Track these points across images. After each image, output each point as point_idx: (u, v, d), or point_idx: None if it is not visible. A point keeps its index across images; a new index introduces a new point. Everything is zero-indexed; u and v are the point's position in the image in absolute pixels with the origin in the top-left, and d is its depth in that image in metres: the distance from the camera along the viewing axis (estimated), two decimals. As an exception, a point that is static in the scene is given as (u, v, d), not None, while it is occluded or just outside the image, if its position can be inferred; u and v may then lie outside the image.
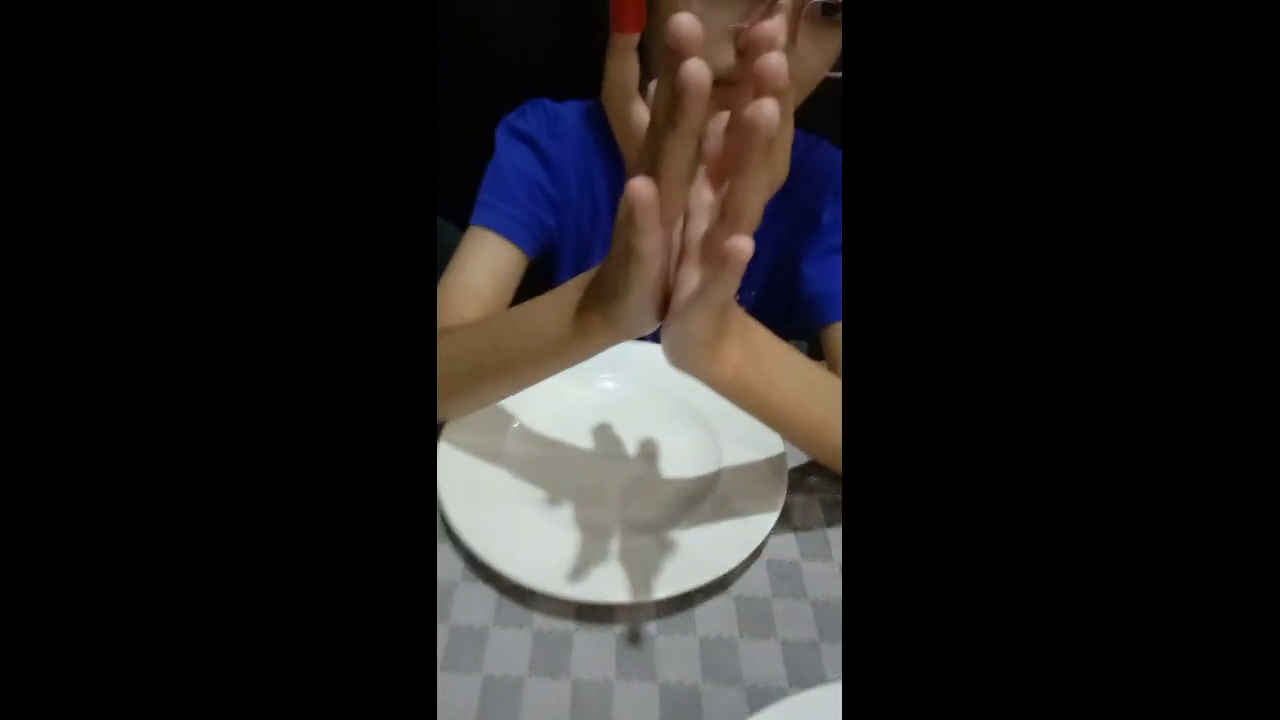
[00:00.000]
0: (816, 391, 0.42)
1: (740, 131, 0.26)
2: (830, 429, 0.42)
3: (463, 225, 0.59)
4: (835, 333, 0.55)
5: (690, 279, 0.30)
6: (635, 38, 0.31)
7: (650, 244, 0.29)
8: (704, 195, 0.30)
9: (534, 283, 0.59)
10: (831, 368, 0.54)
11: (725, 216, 0.28)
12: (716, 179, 0.30)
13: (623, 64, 0.31)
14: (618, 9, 0.29)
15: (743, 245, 0.26)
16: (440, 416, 0.47)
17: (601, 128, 0.61)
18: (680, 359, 0.36)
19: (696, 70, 0.24)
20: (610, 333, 0.36)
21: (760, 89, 0.25)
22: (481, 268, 0.55)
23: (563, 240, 0.63)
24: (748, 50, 0.26)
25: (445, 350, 0.43)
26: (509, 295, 0.57)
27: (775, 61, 0.25)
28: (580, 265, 0.64)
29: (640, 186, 0.27)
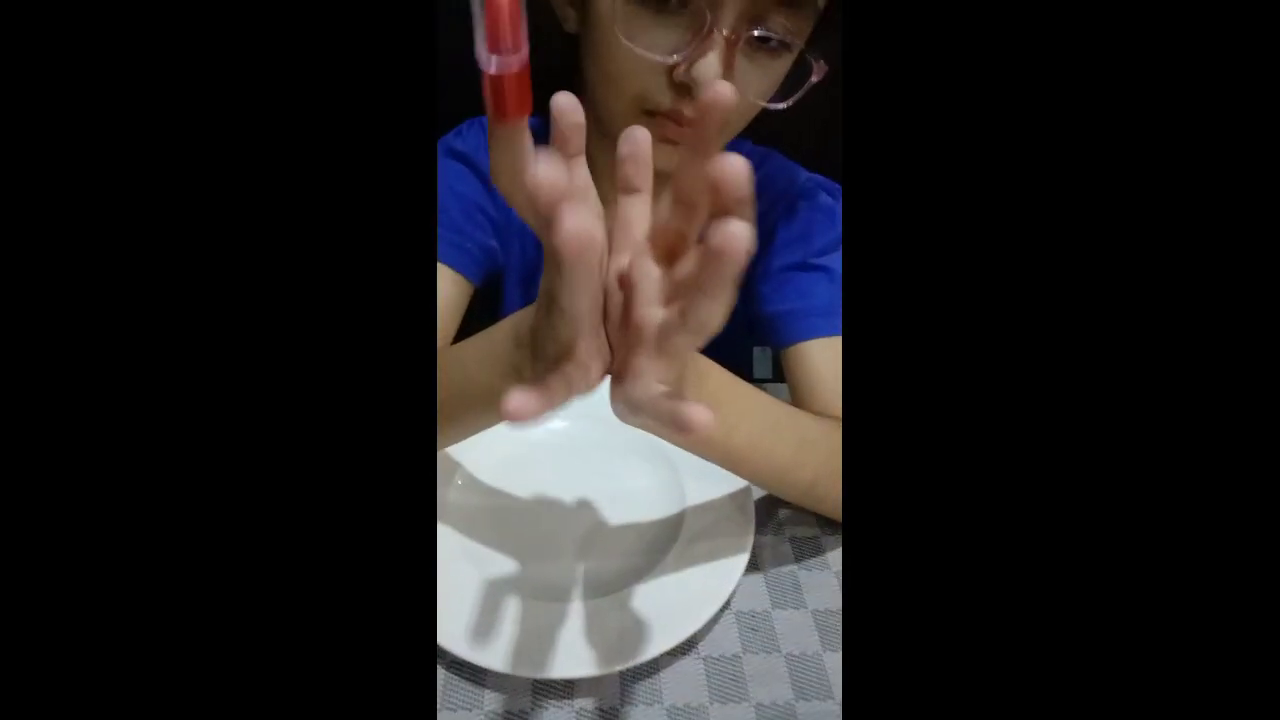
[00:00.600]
0: (780, 431, 0.39)
1: (705, 254, 0.22)
2: (796, 468, 0.40)
3: None
4: (795, 355, 0.51)
5: (645, 374, 0.26)
6: (523, 122, 0.26)
7: (582, 303, 0.25)
8: (650, 271, 0.26)
9: (480, 309, 0.55)
10: (793, 390, 0.52)
11: (686, 325, 0.24)
12: (665, 255, 0.26)
13: (509, 155, 0.26)
14: (495, 95, 0.23)
15: (705, 419, 0.23)
16: None
17: (547, 143, 0.57)
18: (633, 422, 0.32)
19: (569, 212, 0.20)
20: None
21: (723, 206, 0.22)
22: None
23: (508, 264, 0.59)
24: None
25: None
26: (453, 327, 0.53)
27: (737, 170, 0.21)
28: (527, 291, 0.60)
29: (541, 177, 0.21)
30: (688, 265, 0.25)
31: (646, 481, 0.47)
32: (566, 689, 0.36)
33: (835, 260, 0.53)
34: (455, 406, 0.36)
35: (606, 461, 0.48)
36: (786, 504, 0.47)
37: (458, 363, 0.37)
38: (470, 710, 0.35)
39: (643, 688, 0.36)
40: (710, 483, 0.46)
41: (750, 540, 0.42)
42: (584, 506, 0.45)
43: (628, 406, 0.27)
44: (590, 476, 0.47)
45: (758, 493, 0.46)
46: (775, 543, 0.44)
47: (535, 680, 0.36)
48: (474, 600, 0.38)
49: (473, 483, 0.46)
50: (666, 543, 0.42)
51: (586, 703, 0.35)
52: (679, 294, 0.25)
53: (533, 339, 0.30)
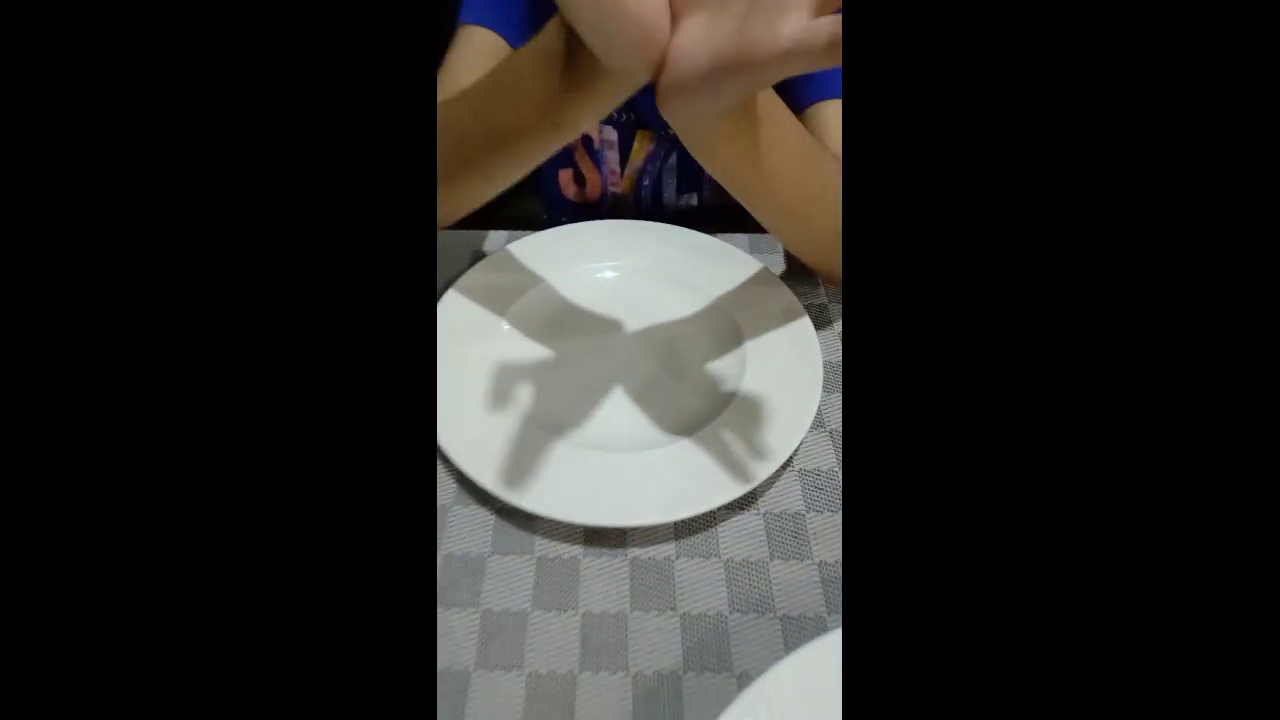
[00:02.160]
0: (809, 165, 0.38)
1: None
2: (820, 212, 0.39)
3: None
4: (809, 117, 0.50)
5: (789, 18, 0.25)
6: None
7: None
8: None
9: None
10: None
11: None
12: None
13: None
14: None
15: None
16: None
17: None
18: (683, 120, 0.31)
19: None
20: (609, 87, 0.30)
21: None
22: (476, 64, 0.49)
23: None
24: None
25: None
26: None
27: None
28: None
29: None
30: None
31: (704, 339, 0.43)
32: (619, 537, 0.34)
33: None
34: (513, 128, 0.34)
35: (661, 317, 0.45)
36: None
37: (511, 76, 0.34)
38: (521, 555, 0.34)
39: (700, 540, 0.35)
40: (774, 339, 0.42)
41: (816, 399, 0.38)
42: (639, 358, 0.42)
43: (757, 66, 0.26)
44: (644, 332, 0.44)
45: (828, 353, 0.43)
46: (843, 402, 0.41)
47: (587, 527, 0.34)
48: (522, 449, 0.36)
49: (519, 335, 0.43)
50: (725, 399, 0.39)
51: (640, 552, 0.34)
52: None
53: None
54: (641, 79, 0.29)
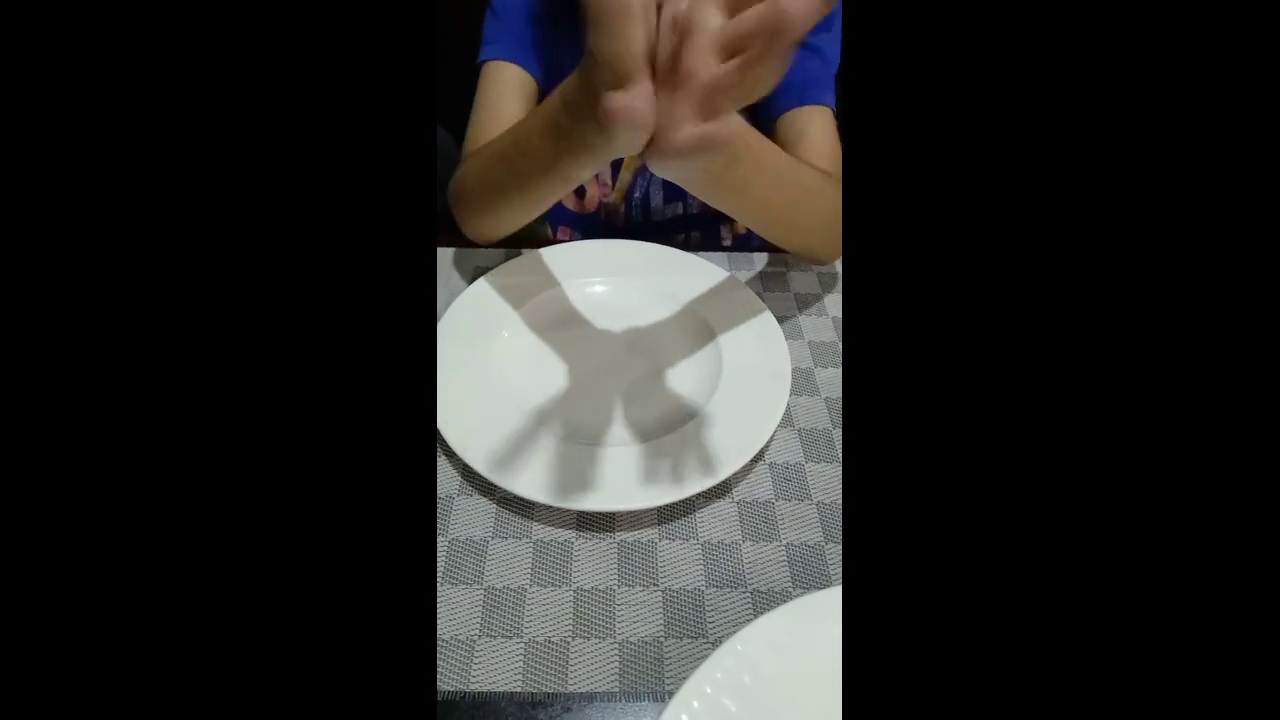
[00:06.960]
0: (784, 183, 0.43)
1: (767, 12, 0.24)
2: (799, 215, 0.45)
3: (459, 137, 0.57)
4: (785, 122, 0.56)
5: (684, 126, 0.27)
6: None
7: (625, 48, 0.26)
8: (710, 17, 0.26)
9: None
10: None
11: (740, 84, 0.25)
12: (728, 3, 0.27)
13: None
14: None
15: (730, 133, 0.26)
16: (481, 234, 0.53)
17: None
18: (668, 171, 0.35)
19: None
20: (594, 158, 0.35)
21: None
22: (505, 95, 0.57)
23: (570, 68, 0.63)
24: None
25: (468, 173, 0.49)
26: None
27: None
28: None
29: None
30: (749, 21, 0.25)
31: (684, 345, 0.48)
32: (608, 522, 0.38)
33: (824, 41, 0.58)
34: (532, 175, 0.41)
35: (645, 326, 0.49)
36: (823, 367, 0.48)
37: (525, 135, 0.40)
38: (520, 539, 0.38)
39: (679, 525, 0.39)
40: (747, 346, 0.47)
41: (785, 400, 0.43)
42: (626, 363, 0.47)
43: (663, 156, 0.28)
44: (629, 339, 0.48)
45: (796, 359, 0.47)
46: (810, 404, 0.45)
47: (579, 513, 0.38)
48: (520, 444, 0.40)
49: (517, 343, 0.47)
50: (703, 399, 0.44)
51: (626, 535, 0.38)
52: (735, 48, 0.25)
53: (575, 96, 0.32)
54: (635, 151, 0.32)
